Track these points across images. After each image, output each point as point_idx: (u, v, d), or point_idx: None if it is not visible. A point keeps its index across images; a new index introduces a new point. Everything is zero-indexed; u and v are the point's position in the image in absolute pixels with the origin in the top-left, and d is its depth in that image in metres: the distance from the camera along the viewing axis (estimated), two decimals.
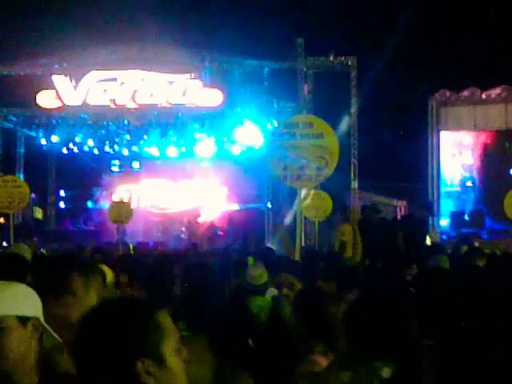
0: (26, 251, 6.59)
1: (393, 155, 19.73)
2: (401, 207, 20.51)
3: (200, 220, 21.06)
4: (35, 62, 19.41)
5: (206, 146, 20.64)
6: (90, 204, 23.01)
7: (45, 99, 19.27)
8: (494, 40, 18.89)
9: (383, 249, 7.53)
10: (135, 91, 19.06)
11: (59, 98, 19.21)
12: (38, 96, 19.22)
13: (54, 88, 19.21)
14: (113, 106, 19.27)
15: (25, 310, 2.66)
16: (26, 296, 2.71)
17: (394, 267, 6.06)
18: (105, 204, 20.44)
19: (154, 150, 21.22)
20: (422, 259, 6.50)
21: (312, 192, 12.21)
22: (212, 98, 18.74)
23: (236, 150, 20.20)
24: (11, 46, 18.70)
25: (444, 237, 17.52)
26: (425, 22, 19.37)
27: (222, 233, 20.25)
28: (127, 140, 20.98)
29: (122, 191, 22.38)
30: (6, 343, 2.57)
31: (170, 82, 19.02)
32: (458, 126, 19.04)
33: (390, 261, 6.33)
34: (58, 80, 19.23)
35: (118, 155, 22.13)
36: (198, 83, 18.86)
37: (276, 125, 16.88)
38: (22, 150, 21.43)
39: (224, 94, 18.67)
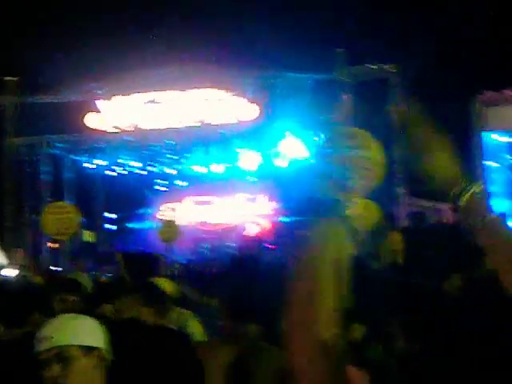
0: (85, 280, 6.69)
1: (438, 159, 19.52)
2: (446, 210, 20.30)
3: (247, 234, 21.10)
4: (78, 88, 19.69)
5: (249, 160, 20.70)
6: (137, 225, 23.19)
7: (92, 122, 19.61)
8: None
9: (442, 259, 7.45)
10: (177, 111, 19.24)
11: (105, 121, 19.53)
12: (85, 119, 19.57)
13: (99, 111, 19.54)
14: (155, 127, 19.48)
15: (89, 341, 2.72)
16: (90, 328, 2.79)
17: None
18: (151, 224, 20.60)
19: (198, 168, 21.35)
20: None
21: (359, 202, 12.15)
22: (253, 112, 18.83)
23: (281, 163, 20.23)
24: (53, 74, 18.98)
25: None
26: (461, 23, 19.20)
27: (271, 246, 20.24)
28: (171, 159, 21.15)
29: (167, 210, 22.55)
30: (69, 373, 2.63)
31: (212, 100, 19.17)
32: (504, 126, 18.87)
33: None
34: (102, 104, 19.54)
35: (162, 175, 22.31)
36: (240, 99, 18.96)
37: (319, 137, 16.88)
38: (70, 176, 21.70)
39: (265, 107, 18.74)
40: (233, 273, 9.43)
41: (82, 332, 2.73)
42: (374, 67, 18.35)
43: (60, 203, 14.23)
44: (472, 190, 2.01)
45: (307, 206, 2.06)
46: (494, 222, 1.95)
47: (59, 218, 12.06)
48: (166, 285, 5.93)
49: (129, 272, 12.40)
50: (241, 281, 6.16)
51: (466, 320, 1.80)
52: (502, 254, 1.87)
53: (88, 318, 2.89)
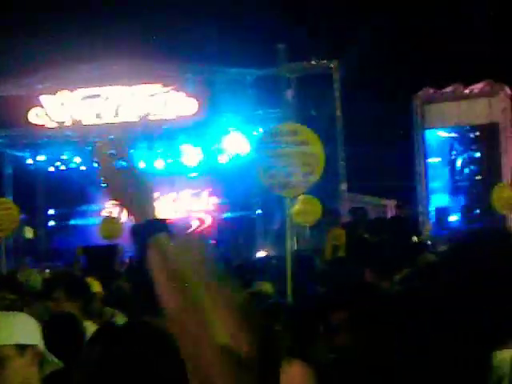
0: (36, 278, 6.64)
1: (380, 155, 19.80)
2: (390, 206, 20.57)
3: (190, 230, 21.05)
4: (20, 82, 19.41)
5: (192, 156, 20.68)
6: (79, 221, 22.95)
7: (35, 117, 19.35)
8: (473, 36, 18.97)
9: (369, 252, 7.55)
10: (119, 106, 19.12)
11: (48, 116, 19.29)
12: (29, 114, 19.30)
13: (42, 106, 19.30)
14: (98, 123, 19.32)
15: (24, 339, 2.68)
16: (25, 325, 2.74)
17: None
18: (94, 220, 20.41)
19: (141, 164, 21.21)
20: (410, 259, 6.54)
21: (301, 198, 12.22)
22: (194, 107, 18.81)
23: (223, 159, 20.26)
24: None
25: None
26: (403, 21, 19.44)
27: (213, 241, 20.23)
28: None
29: (110, 207, 22.35)
30: (5, 373, 2.59)
31: (153, 95, 19.09)
32: (444, 123, 19.20)
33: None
34: (46, 99, 19.31)
35: None
36: (180, 94, 18.92)
37: (261, 132, 16.94)
38: (10, 171, 21.37)
39: (207, 103, 18.73)
40: None
41: (16, 330, 2.68)
42: (315, 63, 18.46)
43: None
44: None
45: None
46: None
47: None
48: (95, 284, 6.07)
49: (89, 265, 12.35)
50: None
51: (408, 314, 1.82)
52: None
53: (23, 314, 2.84)
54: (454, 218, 18.85)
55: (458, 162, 19.64)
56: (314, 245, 13.52)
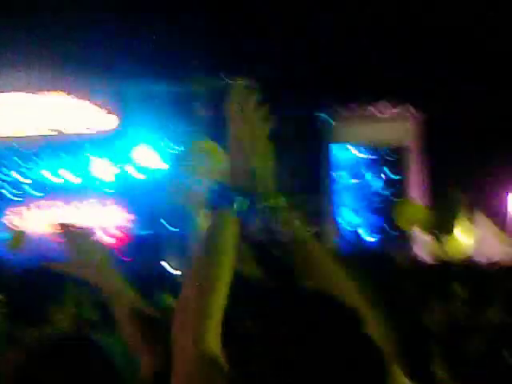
0: None
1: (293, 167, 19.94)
2: None
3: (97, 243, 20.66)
4: None
5: (103, 169, 20.39)
6: None
7: None
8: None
9: None
10: (25, 116, 18.74)
11: None
12: None
13: None
14: (4, 133, 18.90)
15: None
16: None
17: None
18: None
19: (50, 176, 20.81)
20: None
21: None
22: (106, 121, 18.60)
23: (134, 173, 20.04)
24: None
25: None
26: (308, 39, 19.60)
27: (124, 257, 19.92)
28: (22, 167, 20.55)
29: (14, 217, 21.82)
30: None
31: (64, 106, 18.78)
32: (352, 140, 19.54)
33: None
34: None
35: (10, 182, 21.59)
36: (91, 106, 18.68)
37: (174, 149, 16.85)
38: None
39: (120, 116, 18.54)
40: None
41: None
42: (229, 80, 18.48)
43: None
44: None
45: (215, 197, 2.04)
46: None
47: None
48: None
49: None
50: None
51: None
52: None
53: None
54: (369, 238, 19.10)
55: (373, 182, 19.96)
56: None
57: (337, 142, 19.36)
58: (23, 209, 22.08)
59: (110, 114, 18.57)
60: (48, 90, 18.63)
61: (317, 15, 19.20)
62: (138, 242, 20.70)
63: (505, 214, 22.50)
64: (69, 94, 18.75)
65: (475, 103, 18.02)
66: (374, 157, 20.02)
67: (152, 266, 17.98)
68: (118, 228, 21.80)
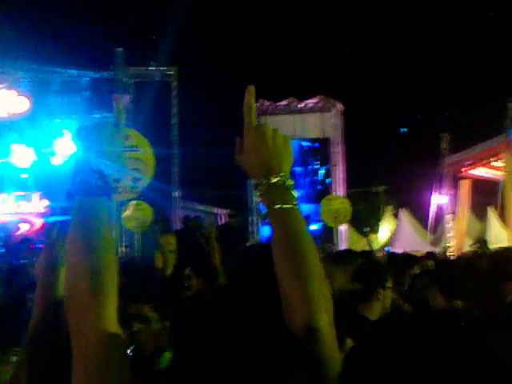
0: None
1: (216, 164, 19.98)
2: (221, 215, 20.79)
3: (18, 233, 20.34)
4: None
5: (24, 156, 20.01)
6: None
7: None
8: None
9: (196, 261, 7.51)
10: None
11: None
12: None
13: None
14: None
15: None
16: None
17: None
18: None
19: None
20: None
21: (132, 203, 12.07)
22: (25, 107, 18.29)
23: (56, 161, 19.72)
24: None
25: None
26: (248, 33, 19.69)
27: (41, 245, 19.57)
28: None
29: None
30: None
31: None
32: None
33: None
34: None
35: None
36: (12, 92, 18.34)
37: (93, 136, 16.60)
38: None
39: (39, 103, 18.25)
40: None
41: None
42: (154, 68, 18.39)
43: None
44: None
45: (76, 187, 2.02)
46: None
47: None
48: None
49: None
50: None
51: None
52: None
53: None
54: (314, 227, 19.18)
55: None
56: (145, 252, 13.39)
57: None
58: None
59: (28, 100, 18.26)
60: None
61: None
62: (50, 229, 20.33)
63: (428, 211, 23.14)
64: None
65: None
66: (303, 147, 20.22)
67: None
68: (38, 216, 21.47)
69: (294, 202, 1.97)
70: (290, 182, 2.01)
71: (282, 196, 1.97)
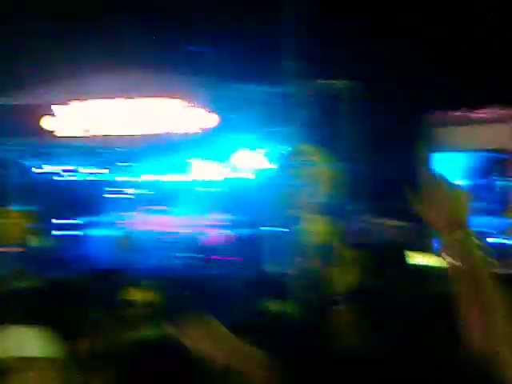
0: None
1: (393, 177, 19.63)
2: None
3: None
4: (33, 92, 19.36)
5: (201, 171, 20.58)
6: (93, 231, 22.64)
7: (47, 126, 19.41)
8: None
9: None
10: (128, 118, 19.13)
11: (59, 126, 19.37)
12: (41, 123, 19.41)
13: (54, 116, 19.34)
14: (109, 134, 19.36)
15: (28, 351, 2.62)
16: (29, 338, 2.68)
17: None
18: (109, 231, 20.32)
19: (147, 177, 21.23)
20: None
21: (314, 217, 12.06)
22: (205, 122, 18.77)
23: (234, 175, 20.06)
24: (9, 77, 18.67)
25: None
26: (411, 42, 19.29)
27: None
28: (122, 166, 21.05)
29: (128, 219, 22.02)
30: None
31: (164, 108, 19.10)
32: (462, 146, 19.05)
33: None
34: (58, 109, 19.38)
35: (114, 182, 22.03)
36: (191, 109, 18.85)
37: (279, 153, 16.81)
38: (20, 180, 21.28)
39: (219, 118, 18.68)
40: None
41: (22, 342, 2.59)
42: (325, 82, 18.36)
43: (6, 209, 13.96)
44: None
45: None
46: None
47: (4, 224, 11.85)
48: None
49: None
50: None
51: None
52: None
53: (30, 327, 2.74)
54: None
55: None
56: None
57: (442, 146, 18.78)
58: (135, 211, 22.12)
59: (210, 116, 18.70)
60: (150, 94, 18.93)
61: (424, 16, 19.00)
62: (240, 241, 20.47)
63: None
64: (169, 96, 18.99)
65: None
66: (480, 161, 19.46)
67: (255, 267, 17.85)
68: (217, 228, 21.76)
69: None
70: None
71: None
